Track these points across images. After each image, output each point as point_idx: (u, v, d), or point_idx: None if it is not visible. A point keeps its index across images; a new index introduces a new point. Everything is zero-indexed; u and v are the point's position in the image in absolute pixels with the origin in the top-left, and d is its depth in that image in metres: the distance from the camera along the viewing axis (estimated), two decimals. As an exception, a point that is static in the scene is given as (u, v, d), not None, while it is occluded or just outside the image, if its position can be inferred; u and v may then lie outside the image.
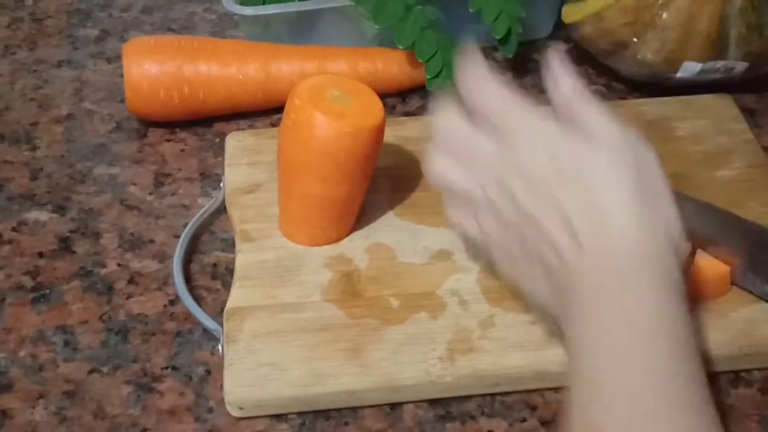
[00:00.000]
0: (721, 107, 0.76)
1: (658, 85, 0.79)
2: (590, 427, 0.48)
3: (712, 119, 0.75)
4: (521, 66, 0.84)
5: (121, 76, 0.77)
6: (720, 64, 0.76)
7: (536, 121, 0.56)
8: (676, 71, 0.76)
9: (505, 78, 0.58)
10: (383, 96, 0.80)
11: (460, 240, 0.63)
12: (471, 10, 0.77)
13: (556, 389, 0.59)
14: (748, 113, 0.78)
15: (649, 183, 0.54)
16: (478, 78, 0.58)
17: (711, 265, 0.62)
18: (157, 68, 0.76)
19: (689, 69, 0.76)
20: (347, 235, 0.67)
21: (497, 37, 0.78)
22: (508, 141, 0.56)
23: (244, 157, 0.73)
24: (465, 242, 0.61)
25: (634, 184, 0.53)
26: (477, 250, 0.61)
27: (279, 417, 0.59)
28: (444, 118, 0.60)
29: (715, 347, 0.60)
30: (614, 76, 0.82)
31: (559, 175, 0.54)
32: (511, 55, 0.79)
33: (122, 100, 0.78)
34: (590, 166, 0.53)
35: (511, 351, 0.60)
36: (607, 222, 0.52)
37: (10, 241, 0.71)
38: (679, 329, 0.51)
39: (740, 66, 0.76)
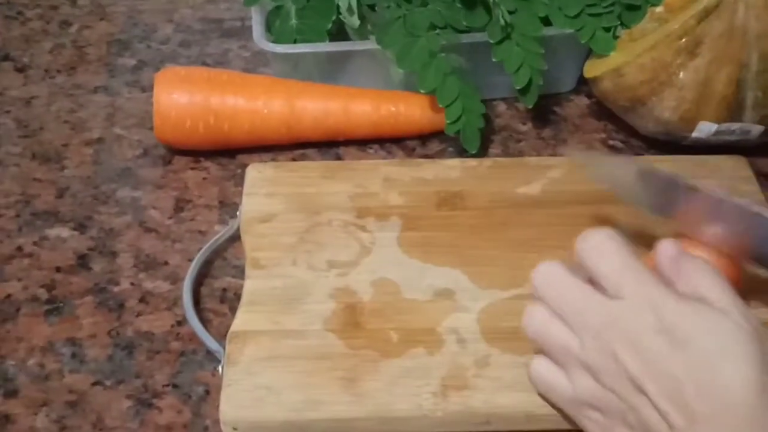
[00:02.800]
0: (734, 168, 0.77)
1: (675, 143, 0.80)
2: None
3: (725, 179, 0.75)
4: (543, 117, 0.86)
5: (153, 104, 0.80)
6: (736, 126, 0.77)
7: (652, 283, 0.55)
8: (691, 131, 0.77)
9: (624, 242, 0.57)
10: (403, 138, 0.83)
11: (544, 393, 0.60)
12: (494, 60, 0.79)
13: (546, 432, 0.60)
14: (764, 177, 0.79)
15: (765, 353, 0.52)
16: (599, 241, 0.57)
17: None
18: (185, 98, 0.78)
19: (705, 129, 0.77)
20: None
21: (517, 87, 0.79)
22: (623, 302, 0.55)
23: (263, 188, 0.75)
24: (548, 396, 0.60)
25: (756, 356, 0.51)
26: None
27: (272, 440, 0.61)
28: (549, 266, 0.58)
29: None
30: (633, 133, 0.83)
31: (672, 342, 0.52)
32: (531, 105, 0.80)
33: (151, 128, 0.81)
34: (711, 332, 0.52)
35: (504, 391, 0.61)
36: (722, 389, 0.51)
37: (30, 255, 0.73)
38: None
39: (756, 129, 0.77)
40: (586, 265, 0.57)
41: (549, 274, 0.58)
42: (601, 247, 0.57)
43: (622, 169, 0.66)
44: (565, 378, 0.57)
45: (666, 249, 0.57)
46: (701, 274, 0.56)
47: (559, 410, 0.59)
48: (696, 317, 0.53)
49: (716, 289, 0.55)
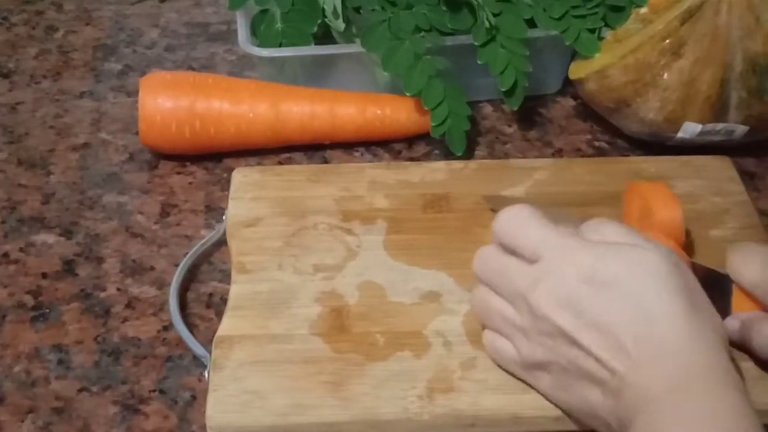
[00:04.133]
0: (719, 168, 0.77)
1: (660, 144, 0.80)
2: None
3: (709, 180, 0.76)
4: (529, 119, 0.86)
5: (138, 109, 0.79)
6: (720, 126, 0.77)
7: (565, 237, 0.57)
8: (676, 131, 0.77)
9: (534, 211, 0.60)
10: (390, 141, 0.83)
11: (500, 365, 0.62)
12: (479, 62, 0.79)
13: (532, 434, 0.60)
14: (748, 177, 0.79)
15: (689, 284, 0.55)
16: (515, 217, 0.60)
17: None
18: (171, 103, 0.78)
19: (690, 130, 0.77)
20: None
21: (503, 89, 0.79)
22: (541, 263, 0.57)
23: (249, 192, 0.75)
24: (504, 367, 0.62)
25: (679, 286, 0.54)
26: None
27: (258, 444, 0.61)
28: (484, 250, 0.62)
29: None
30: (618, 134, 0.83)
31: (595, 287, 0.55)
32: (516, 108, 0.80)
33: (137, 133, 0.81)
34: (631, 272, 0.54)
35: (490, 393, 0.61)
36: (654, 325, 0.53)
37: (16, 261, 0.73)
38: (748, 420, 0.51)
39: (741, 129, 0.77)
40: (505, 243, 0.60)
41: (483, 256, 0.61)
42: (513, 222, 0.60)
43: None
44: (510, 346, 0.60)
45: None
46: (603, 224, 0.58)
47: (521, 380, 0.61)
48: (614, 257, 0.55)
49: (622, 231, 0.57)
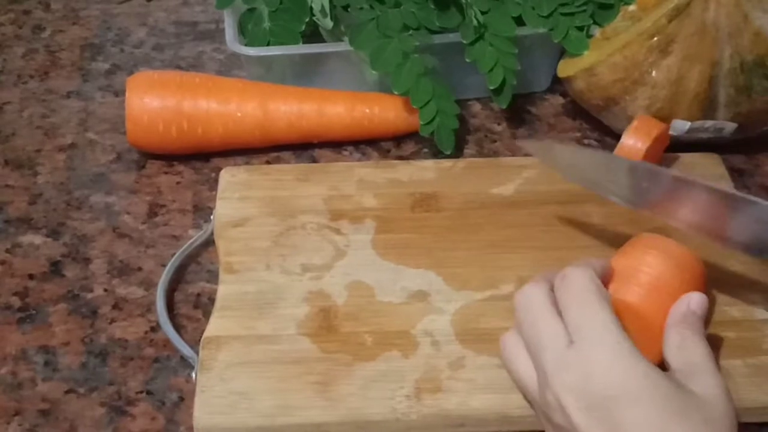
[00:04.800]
0: (708, 166, 0.77)
1: (649, 142, 0.80)
2: None
3: (699, 177, 0.75)
4: (518, 117, 0.86)
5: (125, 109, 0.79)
6: (709, 123, 0.77)
7: (618, 342, 0.54)
8: (665, 129, 0.77)
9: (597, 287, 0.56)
10: (378, 140, 0.83)
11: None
12: (467, 61, 0.79)
13: (520, 434, 0.60)
14: (737, 173, 0.79)
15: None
16: (584, 284, 0.57)
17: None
18: (158, 102, 0.78)
19: (678, 127, 0.77)
20: None
21: (491, 87, 0.79)
22: (573, 347, 0.54)
23: (236, 192, 0.75)
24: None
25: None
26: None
27: (246, 446, 0.60)
28: (533, 290, 0.58)
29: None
30: (607, 131, 0.83)
31: (634, 401, 0.52)
32: (504, 106, 0.80)
33: (124, 132, 0.80)
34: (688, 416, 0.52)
35: (478, 393, 0.61)
36: None
37: (2, 262, 0.73)
38: None
39: (729, 126, 0.77)
40: (560, 303, 0.57)
41: (530, 299, 0.57)
42: (572, 288, 0.56)
43: (582, 159, 0.67)
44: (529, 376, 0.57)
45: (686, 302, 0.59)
46: (697, 345, 0.57)
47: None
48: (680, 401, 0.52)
49: (710, 377, 0.55)
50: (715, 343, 0.63)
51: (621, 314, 0.56)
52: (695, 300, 0.59)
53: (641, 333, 0.57)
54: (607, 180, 0.65)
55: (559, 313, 0.56)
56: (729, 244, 0.62)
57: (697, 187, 0.61)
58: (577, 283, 0.57)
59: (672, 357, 0.57)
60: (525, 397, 0.59)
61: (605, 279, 0.59)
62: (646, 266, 0.61)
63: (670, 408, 0.51)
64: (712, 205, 0.61)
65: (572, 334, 0.55)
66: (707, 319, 0.60)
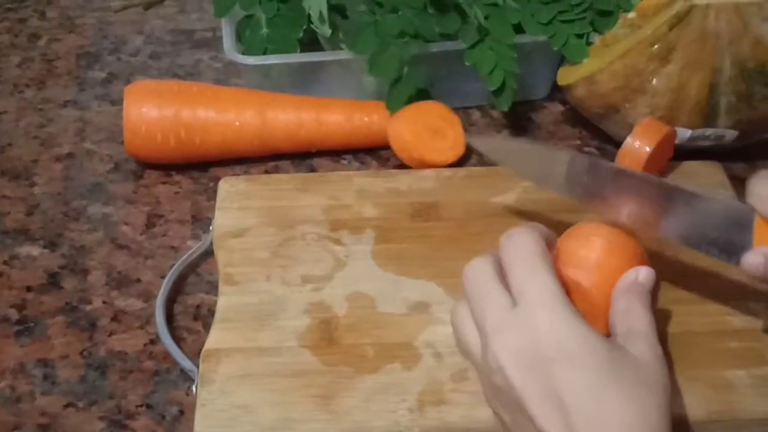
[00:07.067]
0: (709, 174, 0.76)
1: (649, 149, 0.79)
2: None
3: (700, 185, 0.75)
4: (518, 125, 0.86)
5: (123, 118, 0.79)
6: (710, 131, 0.76)
7: (550, 301, 0.54)
8: (666, 137, 0.77)
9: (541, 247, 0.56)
10: (377, 149, 0.82)
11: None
12: (467, 64, 0.79)
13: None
14: (738, 181, 0.78)
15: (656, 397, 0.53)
16: (517, 242, 0.57)
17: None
18: (155, 112, 0.78)
19: (679, 135, 0.76)
20: None
21: (492, 89, 0.79)
22: (515, 310, 0.54)
23: (235, 202, 0.74)
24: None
25: (647, 409, 0.51)
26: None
27: (247, 460, 0.60)
28: (479, 263, 0.58)
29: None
30: (607, 139, 0.83)
31: (570, 362, 0.52)
32: (506, 108, 0.80)
33: (122, 142, 0.80)
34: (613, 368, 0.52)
35: (482, 405, 0.60)
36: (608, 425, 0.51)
37: (0, 274, 0.72)
38: None
39: (730, 134, 0.77)
40: (504, 262, 0.57)
41: (477, 271, 0.58)
42: (517, 250, 0.57)
43: (528, 153, 0.67)
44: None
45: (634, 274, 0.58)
46: (642, 317, 0.56)
47: None
48: (613, 362, 0.52)
49: (647, 345, 0.55)
50: (718, 354, 0.63)
51: (567, 292, 0.56)
52: (644, 273, 0.59)
53: (585, 312, 0.56)
54: (551, 174, 0.65)
55: (505, 282, 0.56)
56: (671, 238, 0.62)
57: (637, 178, 0.61)
58: (522, 242, 0.57)
59: (616, 321, 0.57)
60: (473, 364, 0.58)
61: (548, 249, 0.59)
62: (591, 248, 0.60)
63: (606, 370, 0.52)
64: (654, 198, 0.61)
65: (515, 297, 0.55)
66: (655, 295, 0.59)
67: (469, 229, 0.72)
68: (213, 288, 0.70)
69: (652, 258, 0.61)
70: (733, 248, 0.58)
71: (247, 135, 0.79)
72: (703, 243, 0.60)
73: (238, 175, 0.80)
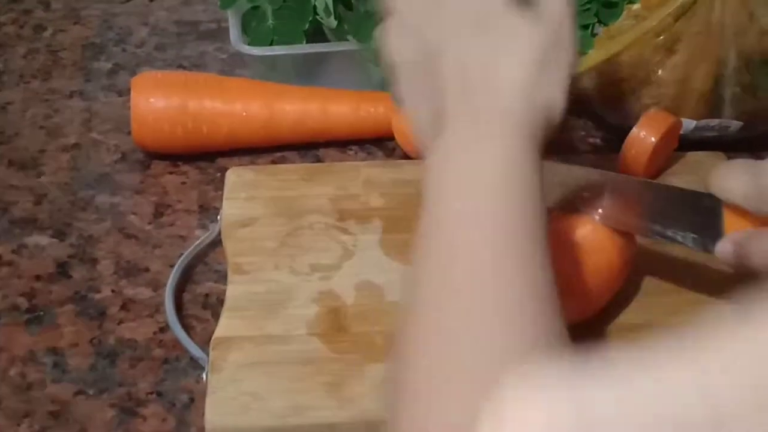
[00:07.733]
0: (713, 164, 0.77)
1: (654, 140, 0.80)
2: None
3: (704, 176, 0.75)
4: (522, 116, 0.86)
5: (130, 108, 0.79)
6: (715, 122, 0.77)
7: None
8: (671, 127, 0.77)
9: None
10: (384, 139, 0.82)
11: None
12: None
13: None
14: (742, 172, 0.79)
15: (555, 56, 0.53)
16: None
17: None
18: (162, 102, 0.78)
19: (684, 126, 0.77)
20: None
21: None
22: None
23: (243, 192, 0.75)
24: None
25: (541, 56, 0.52)
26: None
27: (258, 446, 0.60)
28: None
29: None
30: (612, 130, 0.83)
31: (477, 23, 0.52)
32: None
33: (129, 132, 0.80)
34: (510, 28, 0.52)
35: (490, 392, 0.61)
36: (500, 84, 0.51)
37: (9, 263, 0.73)
38: (525, 190, 0.50)
39: (735, 125, 0.77)
40: None
41: None
42: None
43: None
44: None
45: None
46: None
47: None
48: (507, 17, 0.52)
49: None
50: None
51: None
52: None
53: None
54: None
55: None
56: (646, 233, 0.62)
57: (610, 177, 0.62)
58: None
59: None
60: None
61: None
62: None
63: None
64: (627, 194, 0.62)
65: None
66: None
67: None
68: (221, 277, 0.71)
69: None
70: (708, 237, 0.58)
71: (253, 125, 0.80)
72: (679, 234, 0.60)
73: (245, 165, 0.80)
